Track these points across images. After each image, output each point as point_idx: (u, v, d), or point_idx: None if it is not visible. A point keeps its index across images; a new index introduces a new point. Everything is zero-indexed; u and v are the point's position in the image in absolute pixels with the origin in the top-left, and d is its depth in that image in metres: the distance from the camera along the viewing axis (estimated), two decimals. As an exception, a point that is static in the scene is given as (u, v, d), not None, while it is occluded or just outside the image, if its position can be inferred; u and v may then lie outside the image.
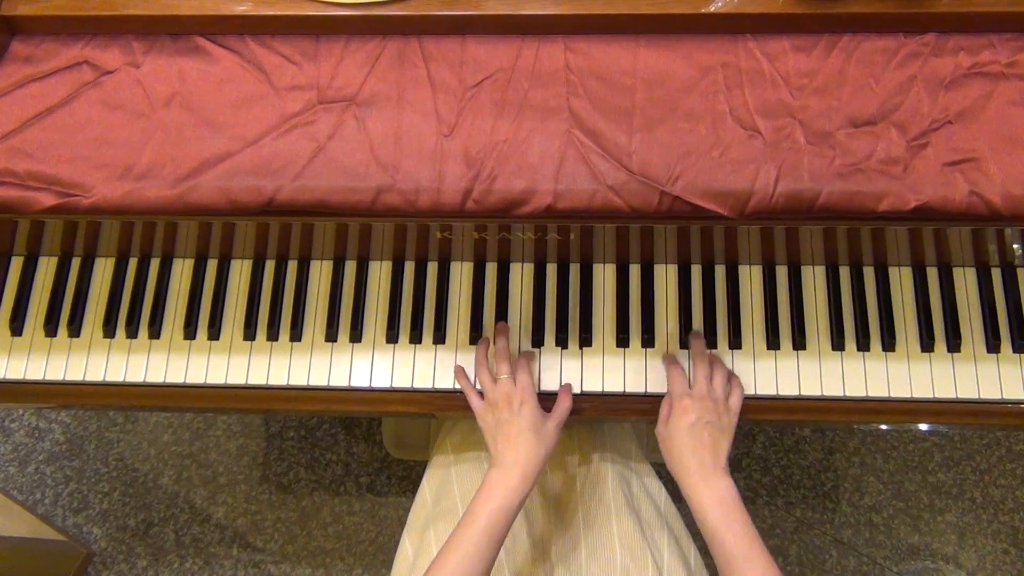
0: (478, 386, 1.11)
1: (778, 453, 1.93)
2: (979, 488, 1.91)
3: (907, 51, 0.95)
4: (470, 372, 1.13)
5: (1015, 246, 1.13)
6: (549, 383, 1.15)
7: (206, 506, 1.94)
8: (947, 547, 1.86)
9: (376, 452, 1.98)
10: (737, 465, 1.90)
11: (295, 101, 0.97)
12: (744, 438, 1.94)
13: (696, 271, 1.19)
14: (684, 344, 1.16)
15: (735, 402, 1.07)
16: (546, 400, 1.10)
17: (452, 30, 0.99)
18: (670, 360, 1.12)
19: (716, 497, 0.97)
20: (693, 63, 0.97)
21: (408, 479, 1.95)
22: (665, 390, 1.09)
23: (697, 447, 1.01)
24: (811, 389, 1.14)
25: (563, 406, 1.09)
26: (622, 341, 1.16)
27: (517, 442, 1.02)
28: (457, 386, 1.13)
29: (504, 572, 1.13)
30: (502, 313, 1.18)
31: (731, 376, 1.11)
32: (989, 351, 1.14)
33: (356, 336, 1.18)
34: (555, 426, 1.06)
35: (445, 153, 0.94)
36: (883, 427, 1.80)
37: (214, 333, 1.18)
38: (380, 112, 0.96)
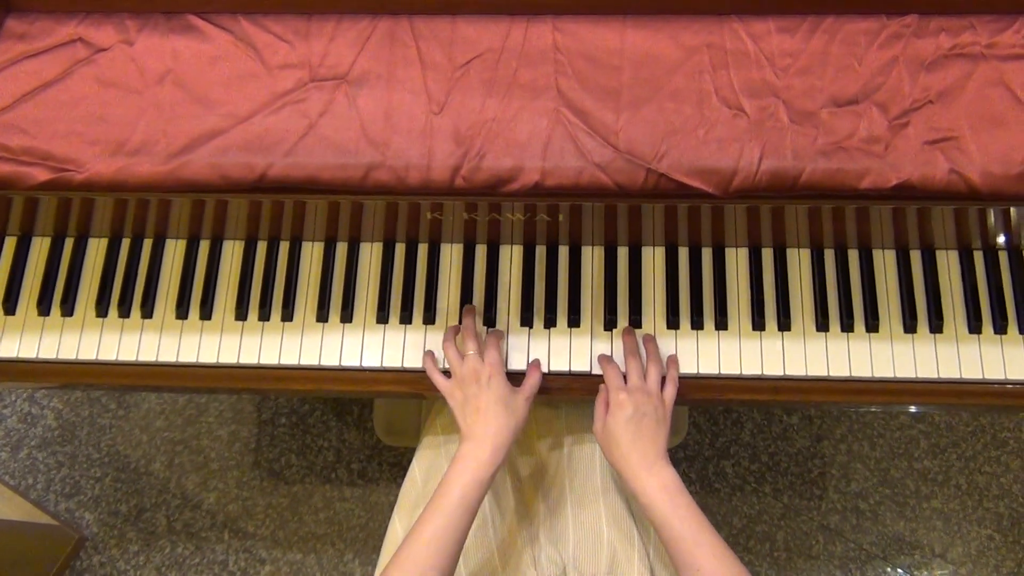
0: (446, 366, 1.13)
1: (766, 440, 1.95)
2: (964, 475, 1.92)
3: (889, 32, 0.97)
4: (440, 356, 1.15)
5: (1000, 238, 1.15)
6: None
7: (198, 492, 1.95)
8: (933, 533, 1.88)
9: (367, 439, 1.99)
10: (725, 452, 1.92)
11: (287, 79, 0.98)
12: (732, 425, 1.95)
13: (683, 253, 1.20)
14: (671, 325, 1.17)
15: (670, 394, 1.09)
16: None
17: (442, 9, 1.00)
18: (605, 359, 1.13)
19: (660, 485, 0.99)
20: (679, 43, 0.98)
21: (399, 466, 1.96)
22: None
23: (636, 439, 1.02)
24: (796, 369, 1.15)
25: (532, 380, 1.10)
26: (610, 322, 1.18)
27: (487, 415, 1.04)
28: (446, 365, 1.14)
29: (493, 549, 1.14)
30: (491, 294, 1.19)
31: (670, 367, 1.13)
32: (970, 332, 1.15)
33: (347, 316, 1.19)
34: (524, 400, 1.07)
35: (434, 131, 0.95)
36: (872, 408, 1.81)
37: (206, 313, 1.19)
38: (370, 90, 0.97)
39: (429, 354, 1.15)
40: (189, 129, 0.96)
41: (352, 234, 1.20)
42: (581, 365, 1.17)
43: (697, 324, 1.17)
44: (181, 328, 1.19)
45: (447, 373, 1.11)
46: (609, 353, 1.16)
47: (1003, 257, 1.18)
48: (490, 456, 1.01)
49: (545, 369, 1.16)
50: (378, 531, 1.90)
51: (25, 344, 1.19)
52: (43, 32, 1.01)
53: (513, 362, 1.17)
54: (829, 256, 1.19)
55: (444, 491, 0.99)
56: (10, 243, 1.22)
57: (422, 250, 1.21)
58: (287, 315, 1.19)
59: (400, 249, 1.21)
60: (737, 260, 1.20)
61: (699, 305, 1.17)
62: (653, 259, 1.20)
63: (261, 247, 1.22)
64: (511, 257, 1.21)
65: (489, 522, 1.16)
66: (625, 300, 1.18)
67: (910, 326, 1.15)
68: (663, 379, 1.11)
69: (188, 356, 1.18)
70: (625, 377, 1.09)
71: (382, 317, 1.19)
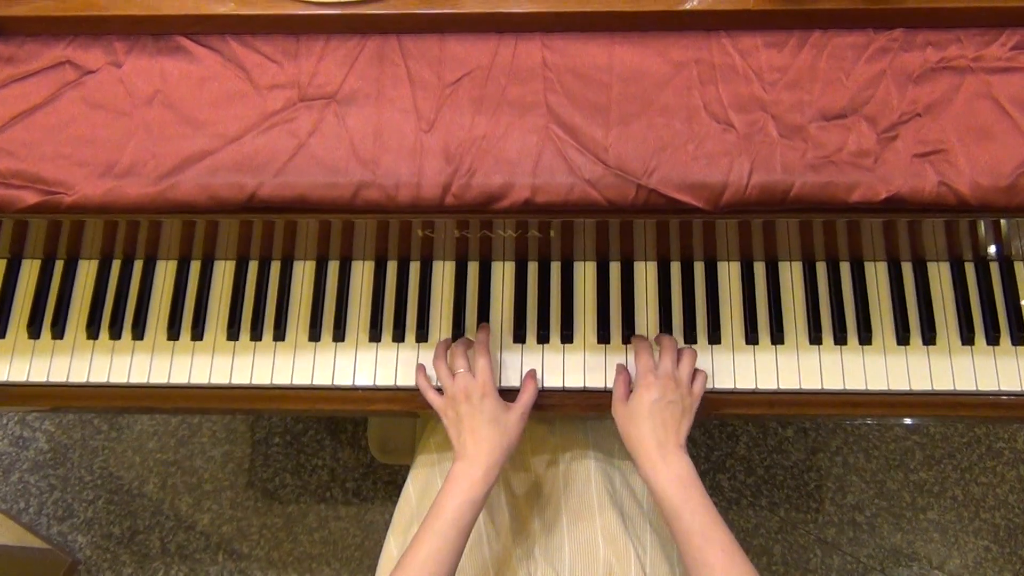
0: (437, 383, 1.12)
1: (761, 454, 1.94)
2: (960, 486, 1.92)
3: (877, 46, 0.97)
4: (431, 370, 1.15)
5: (990, 249, 1.15)
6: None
7: (191, 513, 1.94)
8: (930, 545, 1.88)
9: (362, 457, 1.98)
10: (721, 466, 1.92)
11: (276, 99, 0.98)
12: (727, 439, 1.95)
13: (675, 268, 1.20)
14: (664, 340, 1.17)
15: (699, 387, 1.08)
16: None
17: (431, 28, 1.00)
18: (640, 339, 1.13)
19: (674, 475, 0.98)
20: (668, 59, 0.98)
21: (394, 484, 1.95)
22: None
23: (658, 426, 1.01)
24: (789, 383, 1.15)
25: (527, 396, 1.09)
26: (603, 337, 1.18)
27: (479, 434, 1.03)
28: (436, 384, 1.13)
29: (488, 567, 1.14)
30: (484, 311, 1.19)
31: (697, 369, 1.12)
32: (963, 344, 1.16)
33: (339, 335, 1.18)
34: (517, 416, 1.07)
35: (424, 149, 0.95)
36: (866, 421, 1.82)
37: (197, 333, 1.19)
38: (360, 109, 0.97)
39: (421, 370, 1.14)
40: (178, 150, 0.96)
41: (343, 253, 1.20)
42: (575, 381, 1.16)
43: (690, 338, 1.17)
44: (172, 349, 1.19)
45: (441, 390, 1.11)
46: (603, 369, 1.16)
47: (994, 268, 1.18)
48: (483, 475, 1.01)
49: (539, 385, 1.16)
50: (374, 550, 1.89)
51: (15, 367, 1.18)
52: (31, 55, 1.01)
53: (507, 379, 1.17)
54: (821, 269, 1.19)
55: (437, 512, 0.99)
56: (-1, 266, 1.22)
57: (414, 268, 1.21)
58: (279, 335, 1.19)
59: (392, 267, 1.21)
60: (729, 274, 1.20)
61: (692, 320, 1.18)
62: (645, 274, 1.20)
63: (252, 267, 1.22)
64: (503, 274, 1.21)
65: (484, 538, 1.16)
66: (618, 315, 1.18)
67: (903, 338, 1.16)
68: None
69: (180, 377, 1.18)
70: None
71: (375, 335, 1.18)
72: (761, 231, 1.11)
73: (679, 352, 1.09)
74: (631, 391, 1.07)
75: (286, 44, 1.01)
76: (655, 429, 1.01)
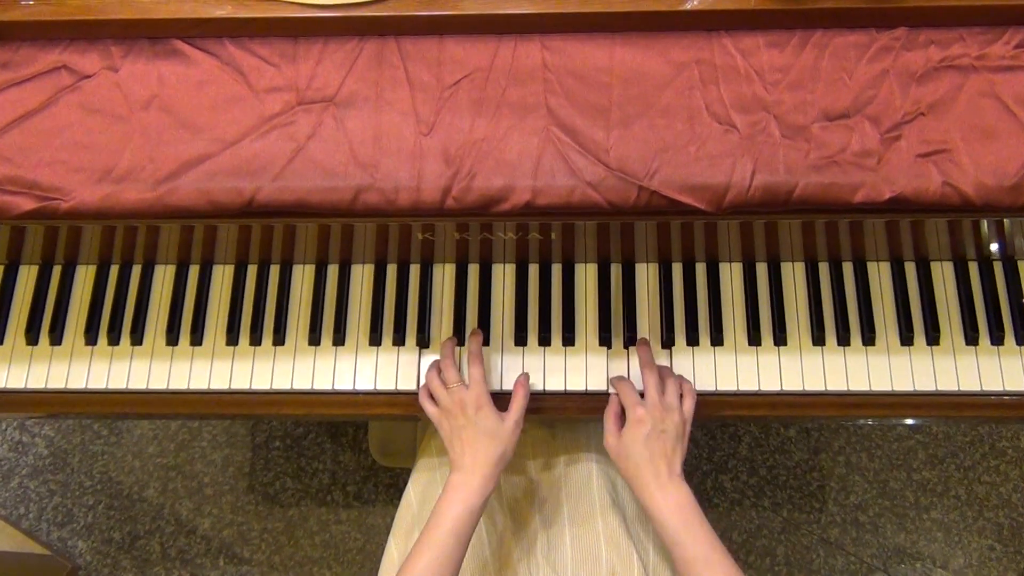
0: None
1: (764, 454, 1.93)
2: (964, 485, 1.92)
3: (879, 45, 0.97)
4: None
5: (992, 246, 1.14)
6: (533, 383, 1.15)
7: (192, 517, 1.93)
8: (933, 544, 1.87)
9: (363, 460, 1.97)
10: (723, 466, 1.91)
11: (274, 102, 0.97)
12: (730, 440, 1.94)
13: (677, 269, 1.20)
14: (666, 343, 1.17)
15: (688, 408, 1.07)
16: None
17: (430, 30, 0.99)
18: (618, 378, 1.12)
19: (674, 504, 0.98)
20: (669, 60, 0.98)
21: (395, 487, 1.94)
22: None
23: (653, 457, 1.01)
24: (793, 384, 1.15)
25: (518, 403, 1.08)
26: (604, 340, 1.17)
27: (475, 446, 1.03)
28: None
29: (489, 569, 1.13)
30: (485, 314, 1.18)
31: (683, 381, 1.11)
32: (968, 343, 1.15)
33: (339, 339, 1.18)
34: (511, 426, 1.06)
35: (424, 152, 0.95)
36: (869, 422, 1.81)
37: (196, 338, 1.18)
38: (359, 112, 0.97)
39: (426, 385, 1.13)
40: (176, 154, 0.95)
41: (343, 256, 1.20)
42: (576, 384, 1.16)
43: (692, 340, 1.16)
44: (172, 354, 1.18)
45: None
46: (605, 371, 1.15)
47: (998, 268, 1.17)
48: (480, 485, 1.01)
49: (540, 388, 1.15)
50: (375, 554, 1.89)
51: (13, 374, 1.18)
52: (27, 60, 1.00)
53: (507, 383, 1.16)
54: (824, 270, 1.19)
55: (435, 522, 0.99)
56: (-4, 272, 1.21)
57: (414, 271, 1.21)
58: (279, 339, 1.18)
59: (392, 270, 1.21)
60: (732, 275, 1.19)
61: (694, 321, 1.17)
62: (647, 276, 1.20)
63: (251, 271, 1.21)
64: (504, 276, 1.20)
65: (485, 540, 1.15)
66: (620, 317, 1.18)
67: (907, 338, 1.15)
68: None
69: (179, 383, 1.17)
70: (641, 393, 1.07)
71: (375, 339, 1.18)
72: (763, 232, 1.10)
73: (662, 376, 1.08)
74: (623, 422, 1.06)
75: (284, 47, 1.00)
76: (652, 460, 1.01)
